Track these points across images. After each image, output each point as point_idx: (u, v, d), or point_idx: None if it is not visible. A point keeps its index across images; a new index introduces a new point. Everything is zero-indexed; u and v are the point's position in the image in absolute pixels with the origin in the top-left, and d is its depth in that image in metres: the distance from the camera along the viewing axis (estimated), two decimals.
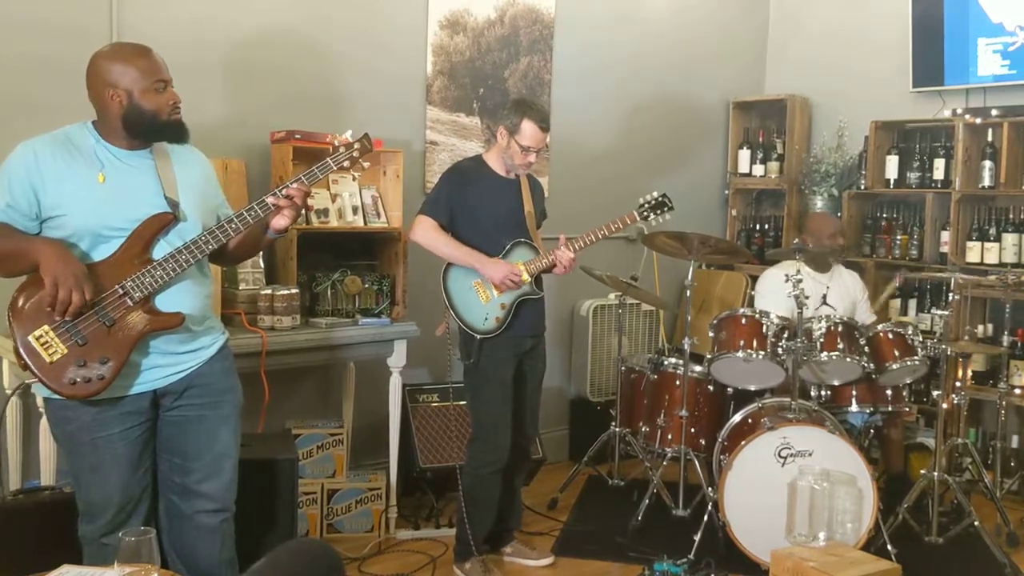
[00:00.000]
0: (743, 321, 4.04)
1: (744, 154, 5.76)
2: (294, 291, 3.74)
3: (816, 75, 5.70)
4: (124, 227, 2.42)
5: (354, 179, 3.99)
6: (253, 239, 2.65)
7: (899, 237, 5.17)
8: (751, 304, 4.69)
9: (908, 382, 4.24)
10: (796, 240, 4.50)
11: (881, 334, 4.10)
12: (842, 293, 4.41)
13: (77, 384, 2.36)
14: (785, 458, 3.64)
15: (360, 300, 4.03)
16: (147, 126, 2.46)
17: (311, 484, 3.92)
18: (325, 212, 4.00)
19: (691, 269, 4.17)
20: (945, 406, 4.00)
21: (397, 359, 4.00)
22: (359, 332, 3.89)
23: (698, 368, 4.26)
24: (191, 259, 2.45)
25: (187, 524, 2.60)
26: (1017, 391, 4.63)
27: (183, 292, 2.51)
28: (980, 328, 4.84)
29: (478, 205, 3.57)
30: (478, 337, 3.53)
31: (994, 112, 4.84)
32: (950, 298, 4.04)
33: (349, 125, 4.10)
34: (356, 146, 2.60)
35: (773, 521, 3.52)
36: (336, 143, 2.59)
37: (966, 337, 4.57)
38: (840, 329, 3.99)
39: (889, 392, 4.14)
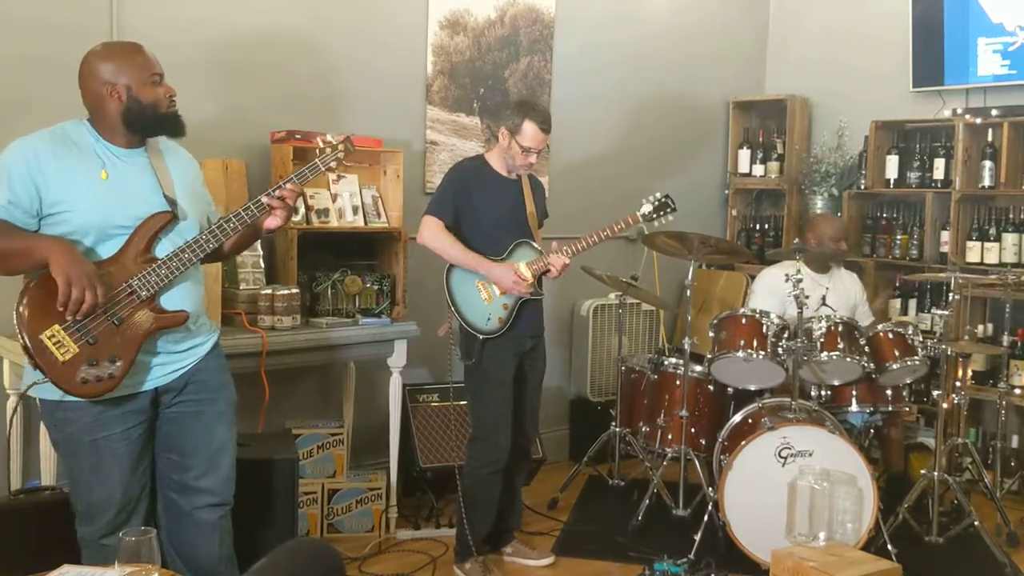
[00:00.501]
0: (743, 321, 4.04)
1: (744, 154, 5.76)
2: (294, 291, 3.73)
3: (816, 75, 5.70)
4: (127, 225, 2.42)
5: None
6: (246, 238, 2.70)
7: (899, 237, 5.16)
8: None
9: (908, 382, 4.24)
10: (796, 240, 4.50)
11: (881, 334, 4.10)
12: (841, 295, 4.41)
13: (88, 383, 2.36)
14: (785, 458, 3.64)
15: (360, 300, 4.03)
16: (147, 120, 2.47)
17: (311, 484, 3.92)
18: (325, 212, 4.00)
19: (691, 269, 4.17)
20: (945, 406, 3.99)
21: (397, 359, 3.99)
22: (359, 332, 3.89)
23: (698, 368, 4.26)
24: (194, 257, 2.47)
25: (186, 521, 2.61)
26: (1017, 391, 4.63)
27: (184, 290, 2.52)
28: (980, 328, 4.84)
29: (480, 205, 3.57)
30: (481, 337, 3.53)
31: (994, 112, 4.84)
32: (950, 298, 4.03)
33: (349, 125, 4.14)
34: (340, 148, 2.65)
35: (773, 521, 3.52)
36: (322, 144, 2.64)
37: (966, 337, 4.57)
38: (840, 329, 3.99)
39: (889, 392, 4.14)
